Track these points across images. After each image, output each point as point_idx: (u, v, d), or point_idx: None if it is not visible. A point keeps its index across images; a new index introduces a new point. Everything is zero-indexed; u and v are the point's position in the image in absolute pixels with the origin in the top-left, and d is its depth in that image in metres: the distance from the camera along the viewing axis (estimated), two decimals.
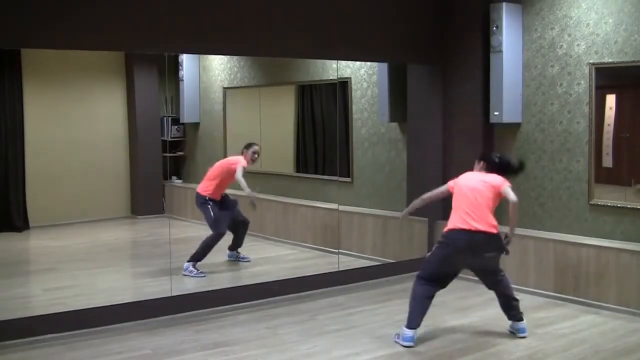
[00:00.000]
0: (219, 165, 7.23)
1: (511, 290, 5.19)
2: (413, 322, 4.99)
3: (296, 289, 6.33)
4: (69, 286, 6.58)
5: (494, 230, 4.93)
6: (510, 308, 5.17)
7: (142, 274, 7.22)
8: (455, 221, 5.01)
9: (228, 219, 7.08)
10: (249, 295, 6.07)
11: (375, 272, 7.00)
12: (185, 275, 6.78)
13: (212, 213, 6.99)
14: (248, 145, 7.23)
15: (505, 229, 5.06)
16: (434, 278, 5.05)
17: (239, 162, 7.05)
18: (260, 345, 4.99)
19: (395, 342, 5.02)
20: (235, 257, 7.44)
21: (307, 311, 5.87)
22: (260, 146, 7.33)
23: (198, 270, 6.84)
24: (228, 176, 7.06)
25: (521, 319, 5.19)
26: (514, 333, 5.19)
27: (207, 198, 7.04)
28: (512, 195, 4.95)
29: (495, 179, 5.06)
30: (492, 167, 5.15)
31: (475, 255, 4.98)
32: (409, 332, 4.96)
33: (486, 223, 4.92)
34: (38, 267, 7.68)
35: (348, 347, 4.97)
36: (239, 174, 6.93)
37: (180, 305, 5.72)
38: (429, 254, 5.23)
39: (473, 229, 4.90)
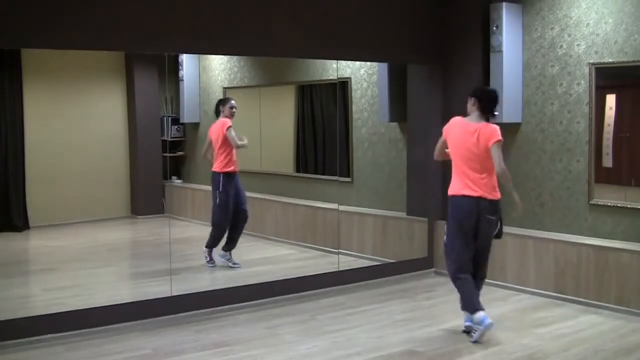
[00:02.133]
0: (211, 139, 7.23)
1: (483, 281, 5.25)
2: (475, 305, 4.99)
3: (296, 289, 6.33)
4: (69, 286, 6.58)
5: (494, 196, 5.01)
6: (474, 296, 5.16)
7: (142, 274, 7.21)
8: (457, 186, 5.05)
9: (230, 209, 7.12)
10: (249, 295, 6.07)
11: (375, 272, 7.00)
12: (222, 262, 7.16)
13: (218, 199, 7.07)
14: (223, 102, 7.28)
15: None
16: (463, 267, 5.06)
17: (224, 125, 7.09)
18: (260, 345, 4.99)
19: (476, 340, 4.96)
20: (226, 260, 7.32)
21: (307, 311, 5.87)
22: (235, 101, 7.34)
23: (233, 261, 7.18)
24: (226, 143, 7.11)
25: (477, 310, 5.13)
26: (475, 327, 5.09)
27: (221, 176, 7.09)
28: (497, 162, 4.91)
29: (484, 133, 5.00)
30: (483, 100, 5.13)
31: (480, 217, 5.01)
32: (480, 314, 4.94)
33: (485, 188, 4.98)
34: (38, 267, 7.68)
35: (348, 347, 4.97)
36: (231, 135, 7.02)
37: (180, 305, 5.72)
38: (445, 237, 5.21)
39: (474, 195, 4.97)
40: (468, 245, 5.08)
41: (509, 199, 5.14)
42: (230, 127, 7.06)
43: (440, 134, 7.13)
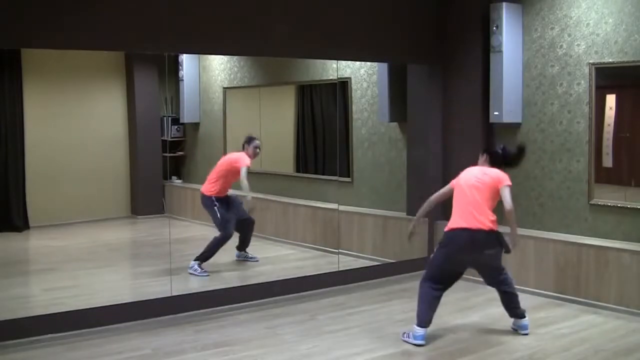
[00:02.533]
0: (222, 164, 7.18)
1: (513, 287, 5.19)
2: (423, 320, 4.98)
3: (296, 289, 6.33)
4: (69, 286, 6.58)
5: (493, 227, 4.93)
6: (513, 305, 5.17)
7: (142, 274, 7.21)
8: (455, 220, 5.01)
9: (234, 219, 7.06)
10: (249, 295, 6.07)
11: (375, 272, 7.00)
12: (190, 273, 6.80)
13: (218, 214, 6.96)
14: (249, 140, 7.19)
15: (506, 230, 5.05)
16: (438, 279, 5.03)
17: (242, 161, 7.00)
18: (260, 345, 4.99)
19: (404, 340, 5.01)
20: (244, 257, 7.44)
21: (307, 311, 5.87)
22: (260, 140, 7.28)
23: (202, 270, 6.84)
24: (232, 175, 7.04)
25: (524, 316, 5.19)
26: (516, 330, 5.20)
27: (214, 198, 7.01)
28: (508, 201, 4.91)
29: (496, 174, 5.03)
30: (496, 159, 5.13)
31: (476, 253, 4.98)
32: (420, 331, 4.96)
33: (485, 220, 4.91)
34: (38, 267, 7.68)
35: (348, 347, 4.97)
36: (243, 175, 6.89)
37: (180, 305, 5.72)
38: (432, 256, 5.22)
39: (472, 227, 4.90)
40: (453, 271, 5.09)
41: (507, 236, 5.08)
42: (248, 167, 6.97)
43: (440, 134, 7.18)
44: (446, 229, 5.09)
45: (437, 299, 5.05)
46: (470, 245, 4.92)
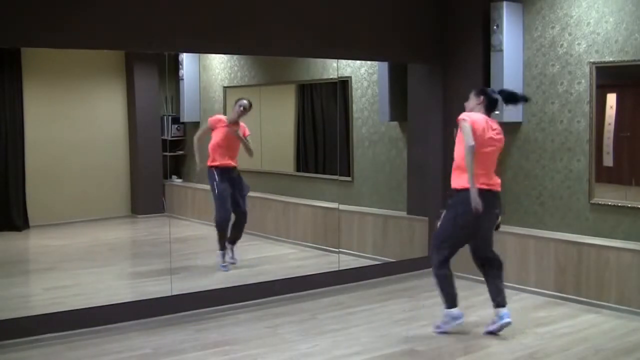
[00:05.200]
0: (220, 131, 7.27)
1: (502, 271, 5.24)
2: (454, 299, 5.07)
3: (296, 288, 6.33)
4: (69, 285, 6.58)
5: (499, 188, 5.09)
6: (499, 291, 5.15)
7: (142, 274, 7.21)
8: (478, 179, 4.97)
9: (229, 198, 7.11)
10: (249, 295, 6.07)
11: (376, 271, 7.00)
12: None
13: (216, 190, 7.05)
14: (236, 100, 7.31)
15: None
16: (449, 253, 5.08)
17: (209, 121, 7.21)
18: (260, 345, 4.99)
19: (442, 332, 5.08)
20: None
21: (308, 310, 5.87)
22: (249, 102, 7.29)
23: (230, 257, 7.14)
24: (218, 140, 7.17)
25: (505, 304, 5.16)
26: (499, 319, 5.12)
27: (212, 169, 7.13)
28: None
29: (501, 132, 5.13)
30: (493, 105, 5.19)
31: (488, 213, 4.99)
32: (455, 310, 5.04)
33: (496, 180, 5.06)
34: (38, 267, 7.68)
35: (348, 346, 4.96)
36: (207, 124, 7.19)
37: (180, 304, 5.72)
38: (439, 222, 5.20)
39: (486, 187, 4.97)
40: (465, 239, 5.15)
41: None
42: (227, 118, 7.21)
43: (440, 134, 7.17)
44: (457, 187, 5.02)
45: (452, 275, 5.15)
46: (486, 205, 4.93)
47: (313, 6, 6.29)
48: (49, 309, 5.42)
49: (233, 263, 7.24)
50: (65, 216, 9.40)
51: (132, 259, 8.43)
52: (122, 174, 10.22)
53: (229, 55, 9.38)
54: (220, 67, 9.73)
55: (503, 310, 5.10)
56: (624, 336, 5.15)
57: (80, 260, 7.71)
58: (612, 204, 6.01)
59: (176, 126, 10.29)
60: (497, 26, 6.52)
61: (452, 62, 7.05)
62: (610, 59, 5.94)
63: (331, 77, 8.28)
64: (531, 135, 6.58)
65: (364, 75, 8.01)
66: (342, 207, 7.63)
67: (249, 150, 7.22)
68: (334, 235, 7.66)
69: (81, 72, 9.58)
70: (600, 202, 6.08)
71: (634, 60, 5.78)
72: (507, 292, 6.30)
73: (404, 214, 7.47)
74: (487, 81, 6.69)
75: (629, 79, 6.00)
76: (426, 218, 7.22)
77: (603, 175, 6.15)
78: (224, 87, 9.65)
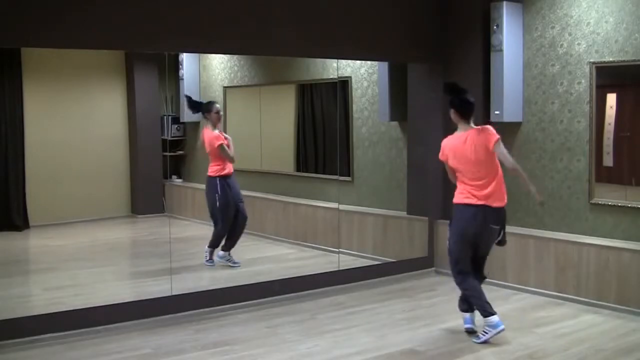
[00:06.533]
0: (209, 148, 7.21)
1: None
2: (488, 307, 4.96)
3: (296, 288, 6.32)
4: (69, 285, 6.58)
5: (503, 203, 4.98)
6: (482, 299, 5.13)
7: (142, 274, 7.21)
8: (461, 195, 4.99)
9: (231, 206, 7.13)
10: (249, 295, 6.06)
11: (376, 271, 6.99)
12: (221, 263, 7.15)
13: (217, 202, 7.08)
14: (208, 108, 7.20)
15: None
16: (465, 267, 5.04)
17: (214, 140, 7.04)
18: (260, 345, 4.99)
19: (485, 341, 4.95)
20: (226, 260, 7.33)
21: (308, 310, 5.87)
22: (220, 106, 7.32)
23: (230, 258, 7.22)
24: (216, 154, 7.11)
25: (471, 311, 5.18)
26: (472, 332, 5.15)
27: (216, 178, 7.11)
28: (506, 159, 4.88)
29: (479, 140, 4.91)
30: (460, 106, 5.03)
31: (483, 226, 4.97)
32: (494, 317, 4.94)
33: (495, 195, 4.93)
34: (38, 267, 7.68)
35: (348, 346, 4.96)
36: (224, 150, 7.04)
37: (180, 304, 5.71)
38: (448, 239, 5.18)
39: (481, 204, 4.92)
40: (468, 250, 5.07)
41: (526, 191, 5.13)
42: (221, 144, 7.05)
43: (440, 134, 7.16)
44: (454, 200, 5.06)
45: (479, 285, 5.09)
46: (480, 217, 4.92)
47: (313, 6, 6.28)
48: (49, 309, 5.42)
49: (238, 266, 7.28)
50: (65, 216, 9.40)
51: (132, 259, 8.43)
52: (122, 174, 10.23)
53: (229, 55, 9.38)
54: (220, 67, 9.73)
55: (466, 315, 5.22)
56: (624, 336, 5.15)
57: (80, 260, 7.71)
58: (612, 204, 6.00)
59: (176, 126, 10.29)
60: (497, 26, 6.52)
61: (452, 62, 7.05)
62: (610, 59, 5.94)
63: (331, 77, 8.28)
64: (531, 135, 6.58)
65: (364, 75, 8.01)
66: (342, 207, 7.63)
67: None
68: (334, 235, 7.66)
69: (81, 72, 9.59)
70: (600, 202, 6.08)
71: (634, 60, 5.78)
72: (507, 292, 6.35)
73: (404, 214, 7.46)
74: (487, 81, 6.70)
75: (629, 79, 5.99)
76: (426, 218, 7.22)
77: (603, 175, 6.15)
78: (224, 87, 9.65)
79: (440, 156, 5.19)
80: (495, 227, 5.00)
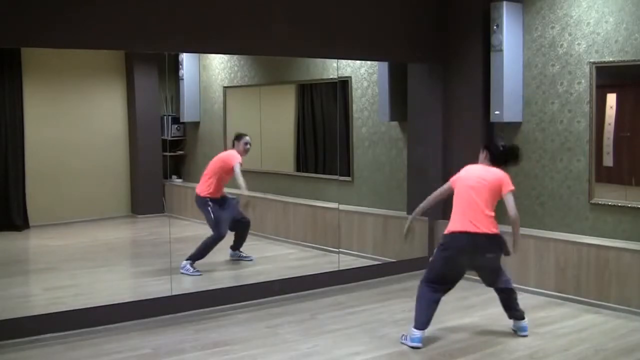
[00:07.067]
0: (215, 162, 7.13)
1: (512, 286, 5.16)
2: (420, 322, 4.95)
3: (296, 288, 6.32)
4: (69, 285, 6.58)
5: (495, 231, 4.90)
6: (512, 306, 5.15)
7: (142, 273, 7.21)
8: (455, 223, 4.97)
9: (229, 220, 7.04)
10: (249, 295, 6.07)
11: (376, 271, 7.00)
12: (182, 273, 6.77)
13: (212, 215, 6.93)
14: (238, 137, 7.16)
15: (507, 229, 5.03)
16: (438, 281, 5.00)
17: (234, 157, 6.97)
18: (260, 345, 4.99)
19: (402, 343, 4.98)
20: (238, 257, 7.43)
21: (308, 310, 5.87)
22: (249, 137, 7.25)
23: (195, 269, 6.82)
24: (225, 173, 7.01)
25: (523, 317, 5.18)
26: (515, 332, 5.19)
27: (208, 199, 6.98)
28: (512, 208, 4.85)
29: (498, 176, 4.96)
30: (497, 157, 5.03)
31: (477, 256, 4.96)
32: (417, 333, 4.92)
33: (486, 223, 4.88)
34: (38, 267, 7.68)
35: (348, 346, 4.96)
36: (237, 172, 6.86)
37: (180, 304, 5.71)
38: (431, 258, 5.19)
39: (472, 231, 4.86)
40: (450, 273, 5.03)
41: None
42: (240, 163, 6.94)
43: (440, 134, 7.17)
44: (446, 231, 5.03)
45: (436, 302, 5.01)
46: (471, 248, 4.89)
47: (313, 6, 6.28)
48: (49, 309, 5.43)
49: (251, 260, 7.37)
50: (65, 216, 9.41)
51: (132, 259, 8.43)
52: (122, 174, 10.23)
53: (229, 55, 9.38)
54: (220, 67, 9.73)
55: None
56: (624, 336, 5.15)
57: (80, 260, 7.71)
58: (612, 204, 6.00)
59: (176, 126, 10.30)
60: (497, 26, 6.52)
61: (452, 62, 7.05)
62: (610, 59, 5.94)
63: (331, 77, 8.28)
64: (531, 135, 6.58)
65: (364, 75, 8.01)
66: (342, 207, 7.63)
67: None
68: (334, 235, 7.66)
69: (81, 72, 9.60)
70: (600, 202, 6.08)
71: (634, 60, 5.78)
72: None
73: (404, 214, 7.45)
74: (487, 81, 6.70)
75: (629, 79, 6.00)
76: (426, 218, 7.21)
77: (603, 175, 6.15)
78: (224, 87, 9.65)
79: (454, 179, 5.11)
80: (491, 256, 4.95)
